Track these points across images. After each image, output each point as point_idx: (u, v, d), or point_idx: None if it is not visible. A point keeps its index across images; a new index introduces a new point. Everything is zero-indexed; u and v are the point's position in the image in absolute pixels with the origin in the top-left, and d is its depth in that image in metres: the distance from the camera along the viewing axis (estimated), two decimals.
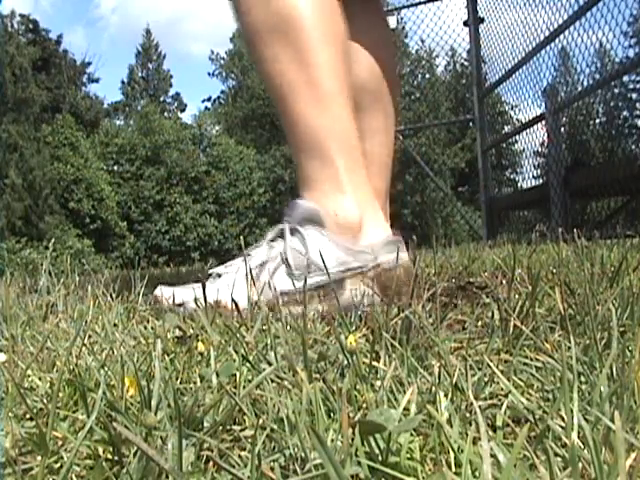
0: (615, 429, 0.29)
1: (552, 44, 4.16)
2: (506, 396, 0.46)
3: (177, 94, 28.77)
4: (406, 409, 0.41)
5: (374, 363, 0.54)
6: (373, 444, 0.36)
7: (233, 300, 0.68)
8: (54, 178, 19.93)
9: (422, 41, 7.68)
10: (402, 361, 0.55)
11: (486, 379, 0.50)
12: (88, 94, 24.95)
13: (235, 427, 0.45)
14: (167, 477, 0.36)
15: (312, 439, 0.33)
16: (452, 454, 0.36)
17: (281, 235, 0.88)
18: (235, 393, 0.48)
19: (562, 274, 0.95)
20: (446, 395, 0.45)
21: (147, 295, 0.99)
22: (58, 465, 0.40)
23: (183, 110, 28.82)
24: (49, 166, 19.83)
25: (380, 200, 1.22)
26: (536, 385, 0.50)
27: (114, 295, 1.03)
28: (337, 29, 0.94)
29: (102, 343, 0.70)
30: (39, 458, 0.39)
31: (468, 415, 0.43)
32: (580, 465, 0.33)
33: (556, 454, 0.36)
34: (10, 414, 0.47)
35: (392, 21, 5.29)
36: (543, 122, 4.25)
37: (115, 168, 22.69)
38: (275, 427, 0.41)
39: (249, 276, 0.73)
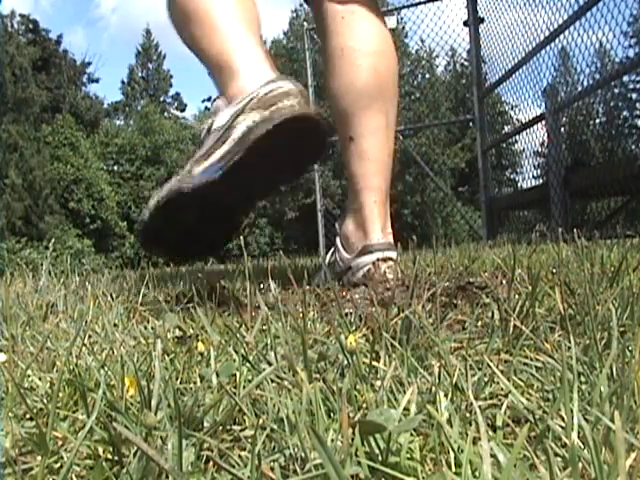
0: (615, 429, 0.29)
1: (552, 44, 4.16)
2: (506, 396, 0.46)
3: (177, 94, 28.82)
4: (406, 409, 0.41)
5: (374, 363, 0.54)
6: (373, 444, 0.36)
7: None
8: (54, 178, 19.95)
9: (422, 41, 7.71)
10: (402, 361, 0.55)
11: (486, 379, 0.50)
12: (88, 94, 25.00)
13: (235, 427, 0.45)
14: (167, 477, 0.36)
15: (312, 439, 0.33)
16: (452, 454, 0.36)
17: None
18: (235, 393, 0.48)
19: (562, 274, 0.95)
20: (446, 395, 0.45)
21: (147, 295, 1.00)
22: (58, 465, 0.40)
23: (183, 110, 28.87)
24: (49, 166, 19.87)
25: (380, 200, 1.22)
26: (536, 385, 0.50)
27: (114, 295, 1.04)
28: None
29: (102, 343, 0.70)
30: (39, 458, 0.39)
31: (468, 415, 0.43)
32: (580, 465, 0.33)
33: (556, 454, 0.36)
34: (10, 414, 0.47)
35: (392, 21, 5.28)
36: (543, 122, 4.25)
37: (115, 168, 22.72)
38: (275, 427, 0.41)
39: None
